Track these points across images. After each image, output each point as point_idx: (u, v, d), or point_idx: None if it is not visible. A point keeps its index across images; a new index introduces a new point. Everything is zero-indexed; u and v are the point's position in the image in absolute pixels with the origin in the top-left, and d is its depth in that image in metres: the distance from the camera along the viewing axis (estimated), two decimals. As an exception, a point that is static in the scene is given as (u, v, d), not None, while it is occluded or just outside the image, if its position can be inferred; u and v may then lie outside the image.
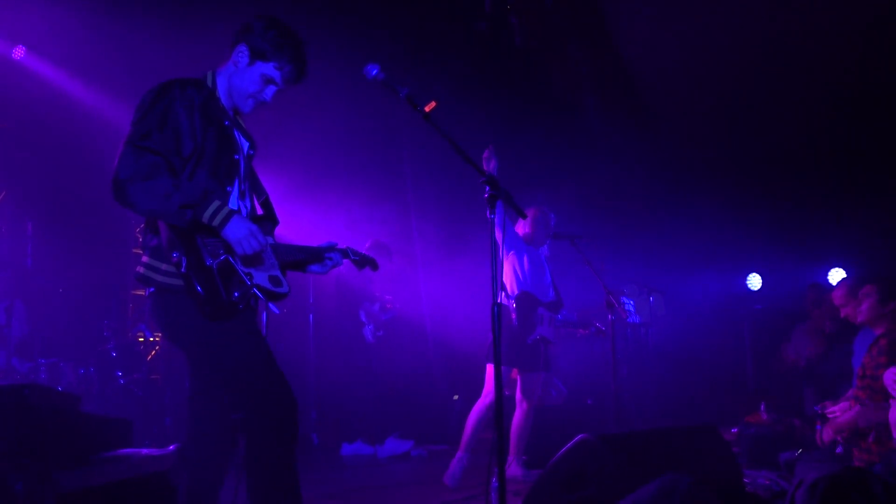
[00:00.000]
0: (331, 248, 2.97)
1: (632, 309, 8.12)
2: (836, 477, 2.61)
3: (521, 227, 5.51)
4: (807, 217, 9.28)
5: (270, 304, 2.57)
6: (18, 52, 7.08)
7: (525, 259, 5.29)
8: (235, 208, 2.65)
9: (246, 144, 2.80)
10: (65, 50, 7.03)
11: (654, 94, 9.17)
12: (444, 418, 7.74)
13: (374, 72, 2.82)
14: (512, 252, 5.23)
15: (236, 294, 2.45)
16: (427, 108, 2.80)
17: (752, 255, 9.85)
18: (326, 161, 8.55)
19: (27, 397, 1.89)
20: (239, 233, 2.50)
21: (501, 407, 2.84)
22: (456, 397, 8.08)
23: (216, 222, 2.48)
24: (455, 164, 2.87)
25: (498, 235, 3.00)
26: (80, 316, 6.61)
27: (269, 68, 2.72)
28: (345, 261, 3.07)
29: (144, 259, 2.60)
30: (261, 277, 2.58)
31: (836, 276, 8.89)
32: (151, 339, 6.97)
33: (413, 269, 8.86)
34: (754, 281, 9.88)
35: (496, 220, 2.93)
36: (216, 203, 2.50)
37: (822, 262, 9.30)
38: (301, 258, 2.89)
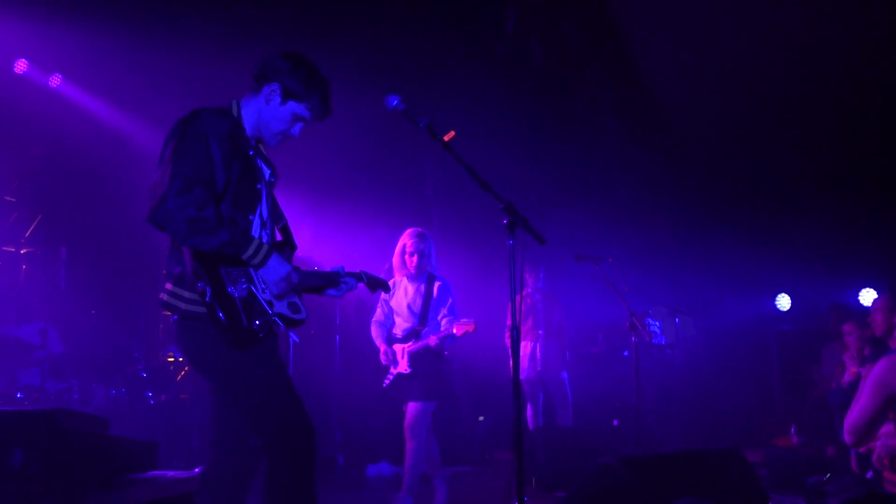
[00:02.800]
0: (343, 273, 3.03)
1: (657, 330, 8.08)
2: (856, 503, 2.59)
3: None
4: (837, 236, 9.17)
5: (290, 333, 2.64)
6: (55, 81, 7.29)
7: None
8: (256, 237, 2.72)
9: (268, 172, 2.88)
10: (100, 78, 7.24)
11: (678, 113, 9.16)
12: (469, 440, 7.74)
13: (395, 102, 2.89)
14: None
15: (258, 322, 2.52)
16: (446, 138, 2.86)
17: (781, 275, 9.76)
18: (351, 183, 8.66)
19: (59, 422, 1.96)
20: (276, 274, 2.62)
21: (521, 428, 2.87)
22: (481, 419, 8.08)
23: (256, 261, 2.58)
24: (473, 183, 2.92)
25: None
26: (111, 337, 6.74)
27: (301, 108, 2.80)
28: (360, 284, 3.13)
29: (168, 286, 2.67)
30: (281, 305, 2.65)
31: (867, 296, 8.77)
32: (180, 359, 7.09)
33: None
34: (783, 301, 9.78)
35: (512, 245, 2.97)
36: (256, 242, 2.59)
37: (852, 282, 9.18)
38: (318, 284, 2.95)
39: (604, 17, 8.44)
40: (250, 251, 2.57)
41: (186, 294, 2.60)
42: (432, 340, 4.78)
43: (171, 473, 2.24)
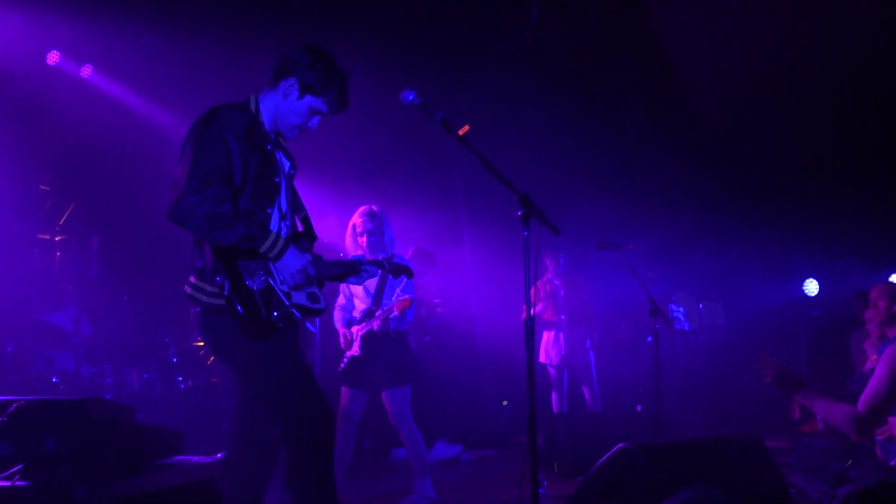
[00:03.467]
0: (363, 261, 3.10)
1: (681, 316, 8.07)
2: (867, 490, 2.62)
3: None
4: (867, 221, 9.06)
5: (307, 323, 2.73)
6: (86, 71, 7.44)
7: None
8: (276, 229, 2.80)
9: (287, 164, 2.95)
10: (130, 69, 7.37)
11: (704, 99, 9.09)
12: (493, 424, 7.81)
13: (411, 97, 2.93)
14: None
15: (276, 314, 2.60)
16: (461, 132, 2.90)
17: (810, 260, 9.67)
18: (377, 170, 8.73)
19: (88, 410, 2.07)
20: (293, 266, 2.69)
21: (535, 413, 2.92)
22: (505, 403, 8.15)
23: (273, 254, 2.65)
24: (503, 172, 2.95)
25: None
26: (142, 324, 6.89)
27: (318, 102, 2.85)
28: (381, 270, 3.19)
29: (191, 279, 2.76)
30: (299, 296, 2.73)
31: (897, 281, 8.66)
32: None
33: (463, 275, 8.97)
34: (811, 287, 9.69)
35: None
36: (273, 236, 2.66)
37: (882, 267, 9.07)
38: (337, 273, 3.02)
39: (629, 3, 8.38)
40: (267, 244, 2.64)
41: (208, 287, 2.68)
42: (375, 324, 4.73)
43: (194, 459, 2.34)
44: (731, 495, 2.79)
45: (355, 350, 4.82)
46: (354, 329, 4.89)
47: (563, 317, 7.16)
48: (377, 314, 4.78)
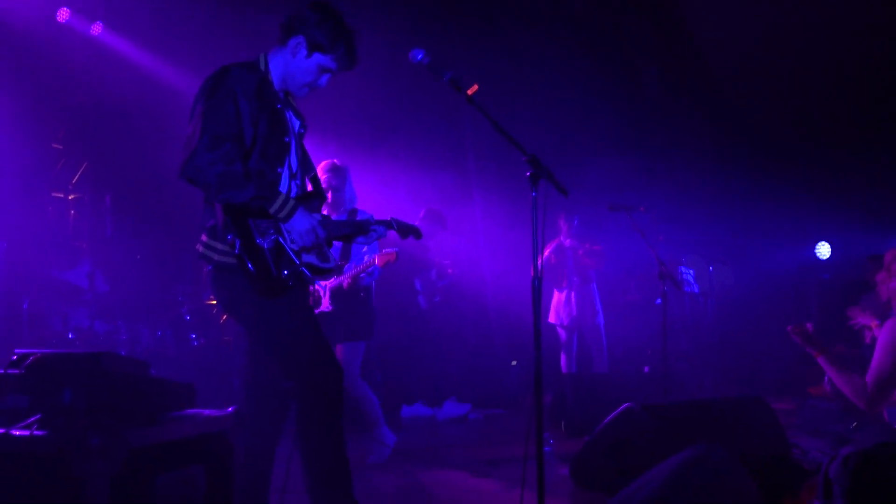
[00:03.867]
0: (371, 221, 3.12)
1: (691, 279, 8.07)
2: (868, 452, 2.64)
3: None
4: (881, 183, 8.98)
5: (317, 281, 2.76)
6: (96, 29, 7.42)
7: None
8: (285, 189, 2.82)
9: (297, 124, 2.96)
10: (140, 26, 7.34)
11: (719, 60, 8.96)
12: (502, 383, 7.90)
13: (420, 56, 2.91)
14: None
15: (286, 272, 2.64)
16: (469, 92, 2.89)
17: (822, 223, 9.61)
18: (388, 129, 8.71)
19: (103, 363, 2.12)
20: (301, 226, 2.71)
21: (540, 373, 2.95)
22: (514, 363, 8.23)
23: (282, 214, 2.67)
24: (513, 132, 2.95)
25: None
26: (156, 282, 6.97)
27: (327, 60, 2.85)
28: (391, 231, 3.21)
29: (203, 238, 2.79)
30: (309, 255, 2.77)
31: (911, 243, 8.60)
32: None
33: (473, 236, 9.00)
34: (823, 250, 9.65)
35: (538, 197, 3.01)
36: (282, 197, 2.68)
37: (895, 229, 9.01)
38: (347, 232, 3.05)
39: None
40: (276, 205, 2.66)
41: (219, 246, 2.71)
42: (345, 280, 4.70)
43: (206, 412, 2.40)
44: (735, 454, 2.83)
45: (326, 306, 4.81)
46: (321, 285, 4.82)
47: (574, 278, 7.20)
48: (347, 269, 4.75)
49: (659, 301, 6.54)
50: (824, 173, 9.14)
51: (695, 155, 9.47)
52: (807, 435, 5.59)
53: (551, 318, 7.38)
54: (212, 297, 6.99)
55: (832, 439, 5.14)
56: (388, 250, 4.68)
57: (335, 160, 4.94)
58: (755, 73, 8.74)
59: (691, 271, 8.09)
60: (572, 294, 7.23)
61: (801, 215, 9.48)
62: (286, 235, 2.71)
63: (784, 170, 9.22)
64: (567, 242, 7.24)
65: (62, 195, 7.34)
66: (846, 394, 3.99)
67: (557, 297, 7.35)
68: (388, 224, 3.21)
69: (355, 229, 3.09)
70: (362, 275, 4.78)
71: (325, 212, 4.79)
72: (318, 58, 2.84)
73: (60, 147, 7.53)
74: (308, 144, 3.12)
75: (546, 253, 7.23)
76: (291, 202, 2.70)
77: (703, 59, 9.08)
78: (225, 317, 7.13)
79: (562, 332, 7.32)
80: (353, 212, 4.85)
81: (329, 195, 4.75)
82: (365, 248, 4.78)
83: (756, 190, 9.25)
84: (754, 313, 9.11)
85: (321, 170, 4.82)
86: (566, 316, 7.25)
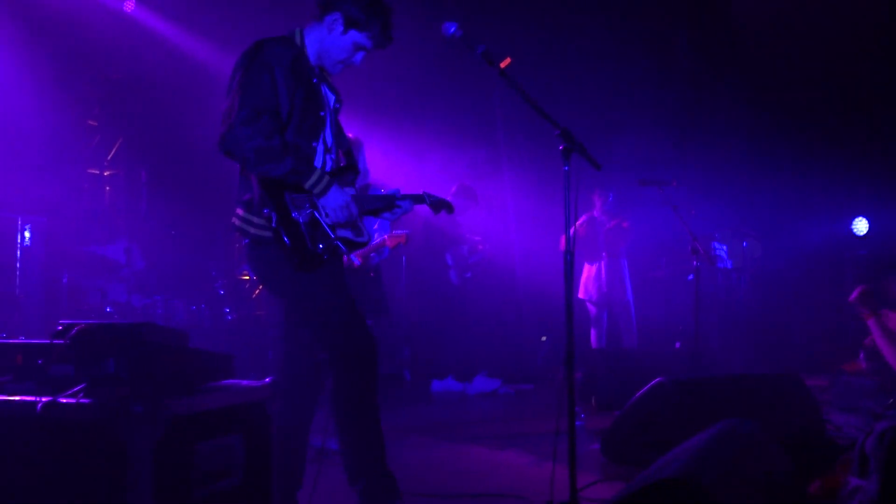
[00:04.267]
0: (398, 195, 3.12)
1: (724, 254, 8.00)
2: (904, 427, 2.62)
3: None
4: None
5: (352, 255, 2.79)
6: (129, 5, 7.48)
7: None
8: (320, 163, 2.84)
9: (332, 99, 2.98)
10: (174, 2, 7.39)
11: (751, 29, 8.78)
12: (531, 359, 7.93)
13: (452, 29, 2.90)
14: None
15: (321, 246, 2.67)
16: (502, 65, 2.88)
17: (859, 197, 9.44)
18: (418, 104, 8.70)
19: (144, 334, 2.17)
20: (335, 202, 2.73)
21: (573, 348, 2.96)
22: (544, 338, 8.25)
23: (317, 190, 2.70)
24: (543, 106, 2.93)
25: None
26: (190, 257, 7.08)
27: (362, 37, 2.85)
28: (421, 206, 3.22)
29: (239, 212, 2.82)
30: (344, 229, 2.80)
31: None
32: (255, 278, 7.42)
33: (504, 212, 8.99)
34: (860, 226, 9.49)
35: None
36: (318, 172, 2.70)
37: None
38: (378, 206, 3.07)
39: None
40: (312, 180, 2.69)
41: (255, 219, 2.75)
42: (356, 258, 4.65)
43: (245, 382, 2.45)
44: (768, 430, 2.83)
45: None
46: None
47: (604, 253, 7.18)
48: (356, 255, 4.70)
49: (691, 277, 6.50)
50: (862, 147, 8.96)
51: (728, 128, 9.33)
52: (841, 411, 5.55)
53: (581, 294, 7.38)
54: (245, 271, 7.10)
55: (866, 415, 5.10)
56: (399, 232, 4.69)
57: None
58: (790, 43, 8.56)
59: (724, 247, 8.01)
60: (602, 269, 7.22)
61: (837, 190, 9.32)
62: (321, 210, 2.74)
63: (820, 143, 9.06)
64: (598, 217, 7.22)
65: (98, 171, 7.46)
66: (889, 360, 4.01)
67: (587, 273, 7.34)
68: (419, 198, 3.21)
69: (384, 203, 3.10)
70: (372, 254, 4.79)
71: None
72: (353, 35, 2.85)
73: (95, 124, 7.64)
74: (341, 119, 3.14)
75: (574, 227, 7.21)
76: (326, 178, 2.73)
77: (736, 29, 8.92)
78: (258, 291, 7.23)
79: (591, 308, 7.31)
80: (366, 186, 4.86)
81: None
82: (376, 226, 4.80)
83: (791, 164, 9.10)
84: (788, 290, 9.01)
85: None
86: (595, 291, 7.23)
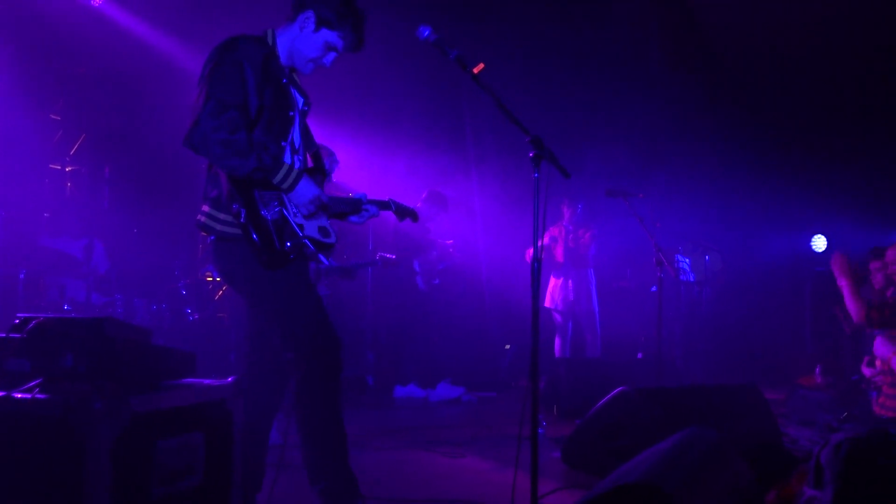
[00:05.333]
0: (364, 200, 3.13)
1: (686, 267, 8.11)
2: (859, 439, 2.67)
3: None
4: (878, 177, 9.02)
5: (320, 255, 2.77)
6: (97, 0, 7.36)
7: None
8: (289, 163, 2.83)
9: (301, 100, 2.97)
10: (142, -2, 7.30)
11: (720, 47, 8.96)
12: (495, 367, 7.94)
13: (426, 33, 2.91)
14: None
15: (289, 244, 2.65)
16: (475, 70, 2.88)
17: (818, 215, 9.65)
18: (389, 108, 8.69)
19: (105, 329, 2.13)
20: (305, 196, 2.73)
21: (537, 357, 2.97)
22: (508, 346, 8.27)
23: (286, 185, 2.68)
24: (516, 114, 2.95)
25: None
26: (152, 255, 6.96)
27: (333, 37, 2.86)
28: (387, 212, 3.23)
29: (205, 208, 2.80)
30: (311, 229, 2.78)
31: (907, 237, 8.66)
32: (218, 279, 7.33)
33: (471, 219, 9.01)
34: (819, 243, 9.70)
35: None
36: (286, 167, 2.68)
37: (892, 224, 9.06)
38: (344, 209, 3.06)
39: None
40: (280, 175, 2.67)
41: (222, 216, 2.72)
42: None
43: (207, 381, 2.41)
44: (726, 438, 2.86)
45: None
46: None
47: (571, 263, 7.24)
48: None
49: (655, 288, 6.57)
50: (822, 166, 9.18)
51: (693, 143, 9.49)
52: (797, 424, 5.65)
53: (547, 303, 7.42)
54: (209, 271, 7.00)
55: (821, 428, 5.20)
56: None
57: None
58: (756, 61, 8.75)
59: (687, 259, 8.13)
60: (569, 280, 7.27)
61: (798, 208, 9.53)
62: (290, 208, 2.72)
63: (783, 162, 9.26)
64: (567, 227, 7.28)
65: (59, 167, 7.31)
66: (851, 313, 4.73)
67: (554, 282, 7.38)
68: (385, 205, 3.22)
69: (350, 207, 3.10)
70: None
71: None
72: (325, 33, 2.85)
73: (59, 118, 7.49)
74: (311, 123, 3.13)
75: (546, 237, 7.27)
76: (294, 172, 2.72)
77: (705, 47, 9.08)
78: (221, 292, 7.14)
79: (557, 316, 7.36)
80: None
81: None
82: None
83: (754, 181, 9.28)
84: (749, 304, 9.17)
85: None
86: (561, 300, 7.28)
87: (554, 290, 7.35)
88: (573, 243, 7.27)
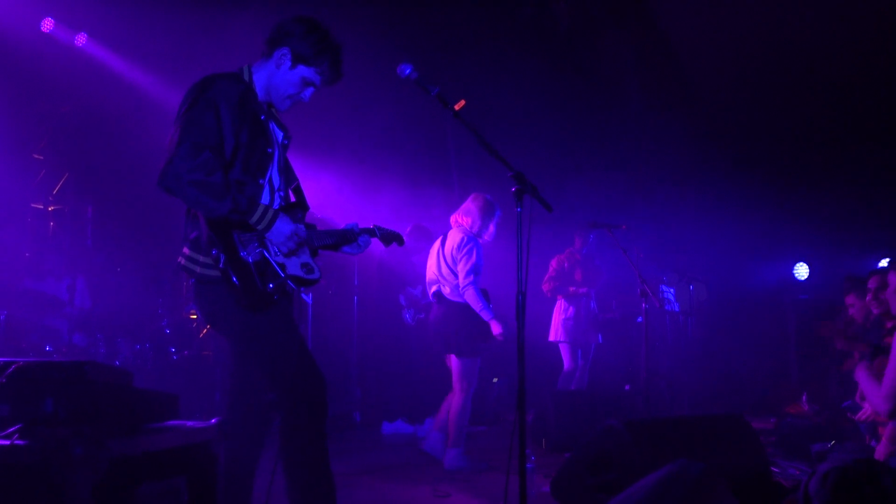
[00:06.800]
0: (357, 230, 3.11)
1: (671, 297, 8.14)
2: (846, 468, 2.67)
3: (466, 219, 5.40)
4: (858, 206, 9.13)
5: (302, 293, 2.75)
6: (81, 40, 7.39)
7: (477, 252, 5.29)
8: (267, 200, 2.81)
9: (280, 135, 2.96)
10: (125, 38, 7.32)
11: (699, 78, 9.09)
12: (482, 400, 7.88)
13: (408, 71, 2.93)
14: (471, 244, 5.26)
15: (271, 285, 2.62)
16: (457, 107, 2.91)
17: (801, 244, 9.75)
18: (373, 145, 8.73)
19: (86, 372, 2.10)
20: (282, 234, 2.69)
21: (524, 389, 2.96)
22: (495, 380, 8.22)
23: (262, 226, 2.66)
24: (499, 149, 2.97)
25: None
26: (136, 294, 6.90)
27: (310, 72, 2.86)
28: (373, 239, 3.21)
29: (185, 251, 2.77)
30: (293, 267, 2.75)
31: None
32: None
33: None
34: (801, 271, 9.78)
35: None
36: (262, 208, 2.66)
37: (872, 252, 9.15)
38: (331, 242, 3.04)
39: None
40: (256, 216, 2.64)
41: (201, 258, 2.70)
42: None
43: (190, 423, 2.38)
44: (715, 470, 2.85)
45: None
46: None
47: (581, 291, 7.21)
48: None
49: (640, 319, 6.58)
50: (802, 196, 9.29)
51: (676, 176, 9.59)
52: (785, 453, 5.64)
53: (552, 336, 7.31)
54: (192, 310, 6.95)
55: (810, 457, 5.19)
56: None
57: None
58: (736, 92, 8.88)
59: (672, 290, 8.16)
60: (580, 310, 7.21)
61: (780, 237, 9.62)
62: (270, 248, 2.70)
63: (764, 192, 9.36)
64: (577, 258, 7.28)
65: (42, 206, 7.27)
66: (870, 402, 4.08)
67: (563, 314, 7.26)
68: (370, 232, 3.21)
69: (339, 238, 3.09)
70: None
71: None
72: (301, 70, 2.85)
73: (41, 158, 7.47)
74: (294, 159, 3.13)
75: (554, 264, 7.26)
76: (271, 212, 2.68)
77: (684, 78, 9.21)
78: (205, 330, 7.09)
79: (564, 348, 7.25)
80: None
81: None
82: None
83: (736, 211, 9.37)
84: (733, 333, 9.20)
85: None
86: (569, 332, 7.18)
87: (566, 322, 7.23)
88: (584, 274, 7.26)
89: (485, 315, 5.16)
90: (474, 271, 5.18)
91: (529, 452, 5.17)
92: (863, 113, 8.55)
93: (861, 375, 4.15)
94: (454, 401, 5.18)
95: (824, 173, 9.15)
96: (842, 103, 8.43)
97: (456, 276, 5.21)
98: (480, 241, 5.33)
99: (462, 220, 5.32)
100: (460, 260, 5.20)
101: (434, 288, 5.35)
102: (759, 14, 7.84)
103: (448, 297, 5.24)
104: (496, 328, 5.18)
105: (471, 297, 5.13)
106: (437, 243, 5.49)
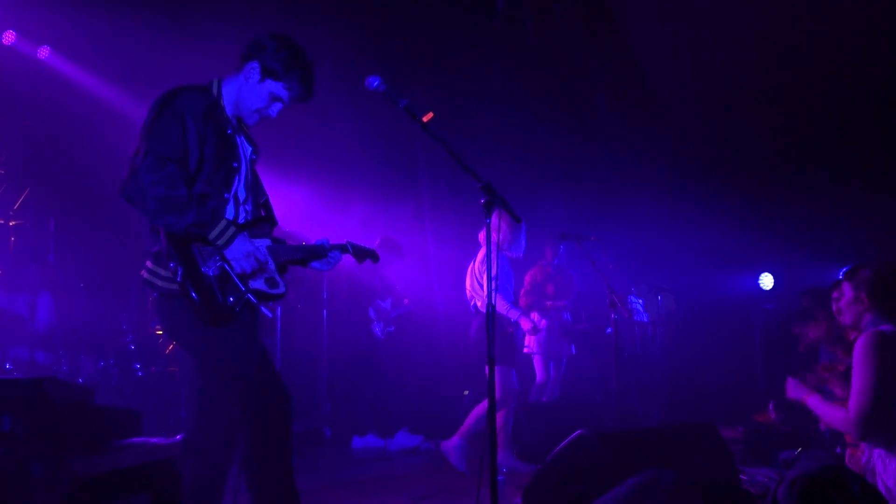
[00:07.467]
0: (328, 246, 3.09)
1: (640, 308, 8.20)
2: (813, 475, 2.69)
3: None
4: (822, 216, 9.29)
5: (262, 308, 2.70)
6: (43, 52, 7.29)
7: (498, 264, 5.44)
8: (232, 215, 2.78)
9: (249, 150, 2.94)
10: (88, 50, 7.23)
11: (667, 91, 9.22)
12: (454, 414, 7.85)
13: (376, 83, 2.93)
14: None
15: (231, 299, 2.59)
16: (425, 119, 2.91)
17: (765, 254, 9.88)
18: (342, 159, 8.70)
19: (45, 389, 2.05)
20: (239, 253, 2.66)
21: (494, 402, 2.96)
22: (466, 392, 8.20)
23: (221, 242, 2.62)
24: (468, 161, 2.97)
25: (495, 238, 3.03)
26: (99, 310, 6.79)
27: (278, 88, 2.85)
28: (345, 255, 3.19)
29: (148, 264, 2.74)
30: (257, 281, 2.72)
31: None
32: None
33: (426, 266, 9.00)
34: (766, 281, 9.91)
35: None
36: (223, 223, 2.63)
37: (836, 262, 9.30)
38: (299, 258, 3.01)
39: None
40: (216, 231, 2.61)
41: (162, 272, 2.66)
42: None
43: (153, 440, 2.33)
44: (685, 479, 2.86)
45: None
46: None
47: (552, 303, 7.22)
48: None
49: (610, 330, 6.61)
50: (767, 206, 9.44)
51: (642, 185, 9.68)
52: (753, 461, 5.69)
53: (526, 348, 7.31)
54: (157, 325, 6.85)
55: (778, 465, 5.24)
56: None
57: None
58: (702, 105, 9.01)
59: (640, 300, 8.22)
60: (553, 321, 7.22)
61: (745, 247, 9.74)
62: (230, 262, 2.66)
63: (728, 203, 9.48)
64: (549, 270, 7.29)
65: (2, 221, 7.12)
66: (837, 428, 3.80)
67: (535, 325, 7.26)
68: (343, 248, 3.19)
69: (308, 254, 3.06)
70: None
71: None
72: (270, 84, 2.84)
73: (2, 172, 7.33)
74: (264, 174, 3.10)
75: (528, 279, 7.28)
76: (232, 229, 2.66)
77: (651, 91, 9.33)
78: (171, 346, 6.98)
79: (538, 360, 7.25)
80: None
81: None
82: None
83: (702, 222, 9.48)
84: (701, 342, 9.28)
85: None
86: (548, 342, 7.18)
87: (539, 335, 7.22)
88: (556, 286, 7.28)
89: (512, 314, 5.49)
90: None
91: (501, 464, 5.18)
92: (823, 127, 8.72)
93: (814, 402, 3.78)
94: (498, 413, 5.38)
95: (787, 186, 9.30)
96: (803, 118, 8.60)
97: (483, 288, 5.46)
98: (508, 255, 5.60)
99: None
100: (482, 273, 5.49)
101: (472, 302, 5.67)
102: (725, 31, 7.97)
103: (482, 309, 5.51)
104: (526, 324, 5.54)
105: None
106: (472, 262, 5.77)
